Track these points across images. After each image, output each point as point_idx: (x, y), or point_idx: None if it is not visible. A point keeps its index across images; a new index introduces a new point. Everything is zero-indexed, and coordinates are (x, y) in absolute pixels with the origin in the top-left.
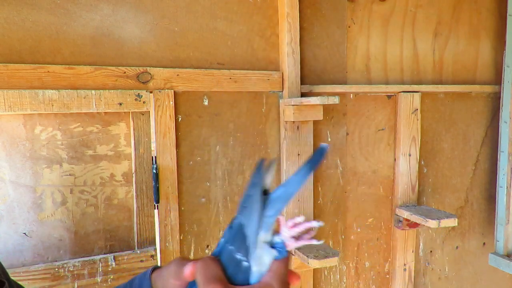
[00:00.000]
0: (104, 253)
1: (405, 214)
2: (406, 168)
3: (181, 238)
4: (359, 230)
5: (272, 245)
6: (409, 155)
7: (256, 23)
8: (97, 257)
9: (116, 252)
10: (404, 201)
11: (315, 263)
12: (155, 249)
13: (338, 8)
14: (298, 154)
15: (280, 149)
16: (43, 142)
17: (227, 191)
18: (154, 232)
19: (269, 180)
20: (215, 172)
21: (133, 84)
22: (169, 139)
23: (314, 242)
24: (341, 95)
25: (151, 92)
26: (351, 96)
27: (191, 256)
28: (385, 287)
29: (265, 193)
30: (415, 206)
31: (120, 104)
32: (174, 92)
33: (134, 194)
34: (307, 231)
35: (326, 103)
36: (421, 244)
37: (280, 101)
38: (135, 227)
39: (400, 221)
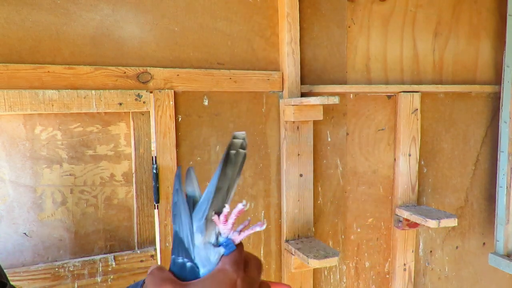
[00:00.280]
0: (104, 253)
1: (405, 214)
2: (406, 168)
3: None
4: (359, 230)
5: (219, 244)
6: (409, 155)
7: (256, 23)
8: (97, 257)
9: (116, 252)
10: (404, 201)
11: (315, 263)
12: (155, 249)
13: (338, 8)
14: (298, 154)
15: (280, 149)
16: (43, 142)
17: None
18: (154, 232)
19: (193, 186)
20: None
21: (133, 84)
22: (169, 139)
23: (258, 228)
24: (341, 95)
25: (151, 92)
26: (351, 96)
27: None
28: (385, 287)
29: (194, 200)
30: (415, 206)
31: (120, 104)
32: (174, 92)
33: (134, 194)
34: (239, 214)
35: (326, 103)
36: (421, 244)
37: (280, 101)
38: (135, 227)
39: (400, 221)
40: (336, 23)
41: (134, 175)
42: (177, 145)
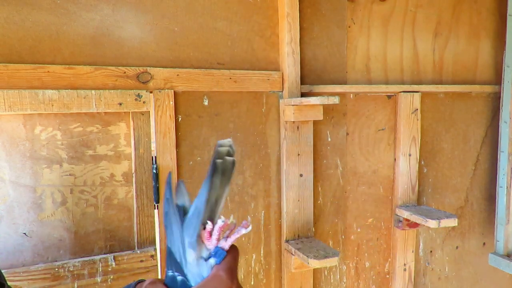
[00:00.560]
0: (104, 253)
1: (405, 214)
2: (406, 168)
3: None
4: (359, 230)
5: (210, 256)
6: (409, 155)
7: (256, 23)
8: (97, 257)
9: (116, 252)
10: (404, 201)
11: (315, 263)
12: (155, 249)
13: (338, 8)
14: (298, 154)
15: (280, 149)
16: (43, 142)
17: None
18: (154, 232)
19: (184, 199)
20: None
21: (133, 84)
22: (169, 139)
23: (243, 231)
24: (341, 95)
25: (151, 92)
26: (351, 96)
27: None
28: (385, 287)
29: (185, 211)
30: (415, 206)
31: (120, 104)
32: (174, 92)
33: (134, 194)
34: (227, 228)
35: (326, 103)
36: (421, 244)
37: (280, 101)
38: (135, 227)
39: (400, 221)
40: (336, 23)
41: (134, 175)
42: (177, 145)
